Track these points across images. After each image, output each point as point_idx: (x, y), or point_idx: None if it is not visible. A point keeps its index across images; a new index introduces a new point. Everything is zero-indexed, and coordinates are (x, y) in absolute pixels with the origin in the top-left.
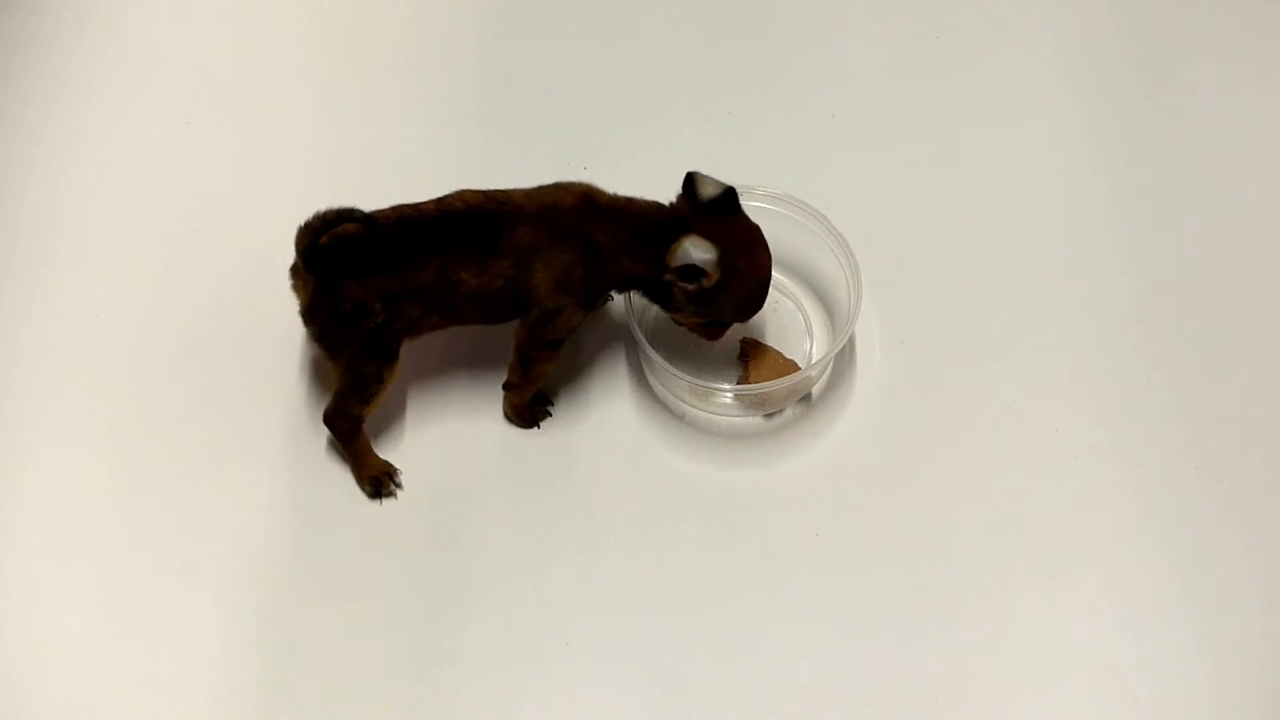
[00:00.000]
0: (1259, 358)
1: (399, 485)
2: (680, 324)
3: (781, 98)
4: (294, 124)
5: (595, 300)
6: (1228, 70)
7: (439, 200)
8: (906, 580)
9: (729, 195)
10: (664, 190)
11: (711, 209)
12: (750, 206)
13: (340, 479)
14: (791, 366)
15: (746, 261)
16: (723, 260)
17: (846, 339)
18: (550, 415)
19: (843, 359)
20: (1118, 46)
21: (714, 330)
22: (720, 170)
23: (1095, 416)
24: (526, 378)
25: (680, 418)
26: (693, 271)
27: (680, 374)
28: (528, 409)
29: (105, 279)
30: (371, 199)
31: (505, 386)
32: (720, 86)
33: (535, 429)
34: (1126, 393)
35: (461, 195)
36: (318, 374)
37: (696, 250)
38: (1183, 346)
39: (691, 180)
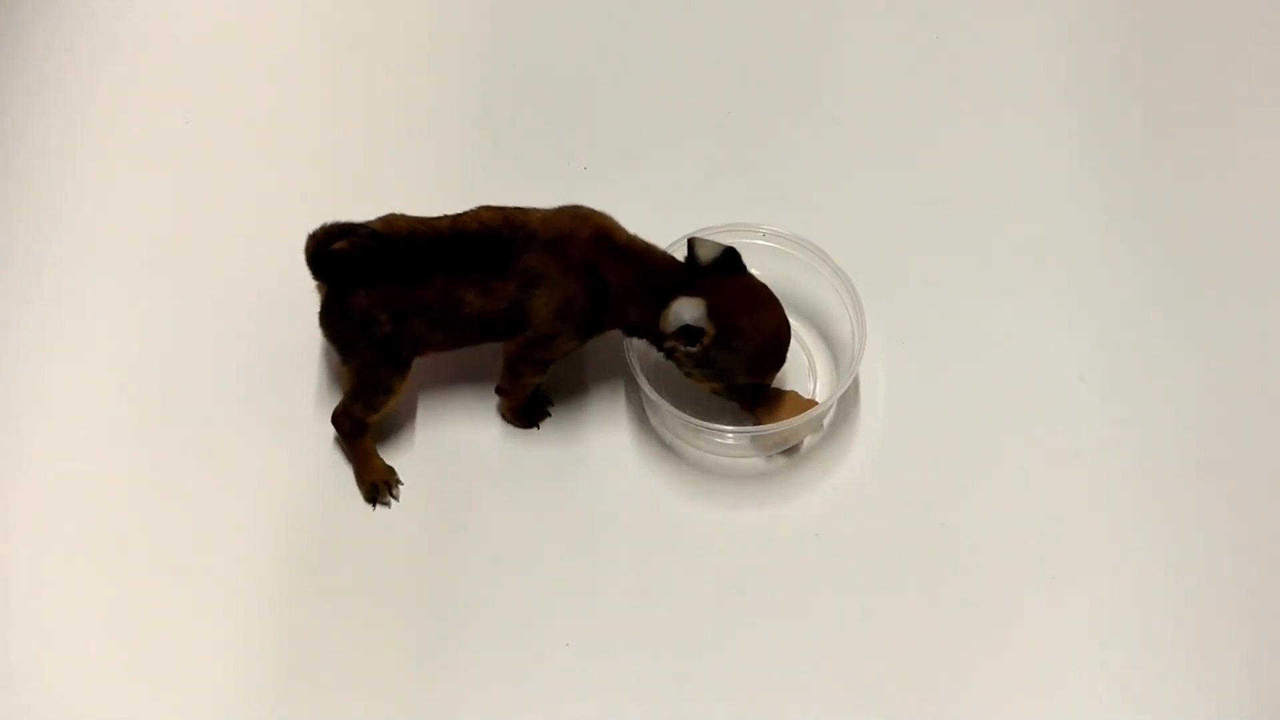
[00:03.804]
0: (1259, 357)
1: (395, 496)
2: (715, 394)
3: (781, 98)
4: (294, 122)
5: (592, 333)
6: (1225, 72)
7: (455, 217)
8: (907, 581)
9: (728, 256)
10: (663, 189)
11: (713, 271)
12: (750, 244)
13: (345, 480)
14: (805, 402)
15: (748, 320)
16: (721, 319)
17: (853, 378)
18: (549, 415)
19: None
20: (1110, 51)
21: (746, 397)
22: (718, 169)
23: (1095, 416)
24: (514, 385)
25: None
26: (691, 332)
27: (692, 419)
28: (525, 410)
29: (105, 279)
30: (371, 197)
31: (498, 391)
32: (719, 86)
33: (535, 429)
34: (1126, 393)
35: (477, 215)
36: (332, 373)
37: (687, 310)
38: (1183, 346)
39: (692, 245)
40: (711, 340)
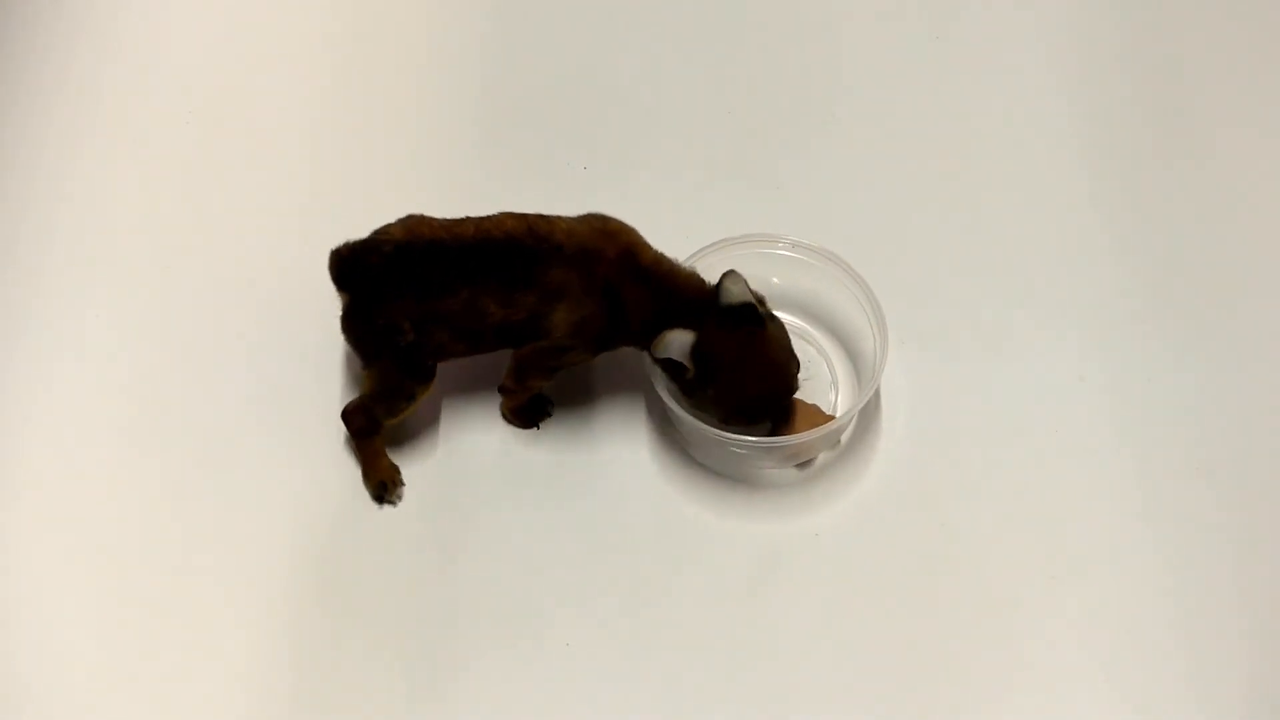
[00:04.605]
0: (1259, 357)
1: (400, 497)
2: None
3: (782, 98)
4: (296, 122)
5: (605, 349)
6: (1228, 74)
7: (478, 223)
8: (906, 581)
9: (747, 309)
10: (663, 189)
11: (730, 314)
12: (774, 255)
13: (347, 481)
14: (822, 416)
15: (737, 376)
16: (710, 365)
17: (870, 394)
18: (550, 416)
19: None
20: (1114, 52)
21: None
22: (718, 169)
23: (1095, 416)
24: (520, 386)
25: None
26: (676, 366)
27: (711, 429)
28: (525, 410)
29: (107, 279)
30: (372, 196)
31: (501, 390)
32: (720, 86)
33: (535, 429)
34: (1126, 393)
35: (502, 223)
36: (336, 373)
37: (674, 345)
38: (1183, 346)
39: (722, 280)
40: (692, 378)
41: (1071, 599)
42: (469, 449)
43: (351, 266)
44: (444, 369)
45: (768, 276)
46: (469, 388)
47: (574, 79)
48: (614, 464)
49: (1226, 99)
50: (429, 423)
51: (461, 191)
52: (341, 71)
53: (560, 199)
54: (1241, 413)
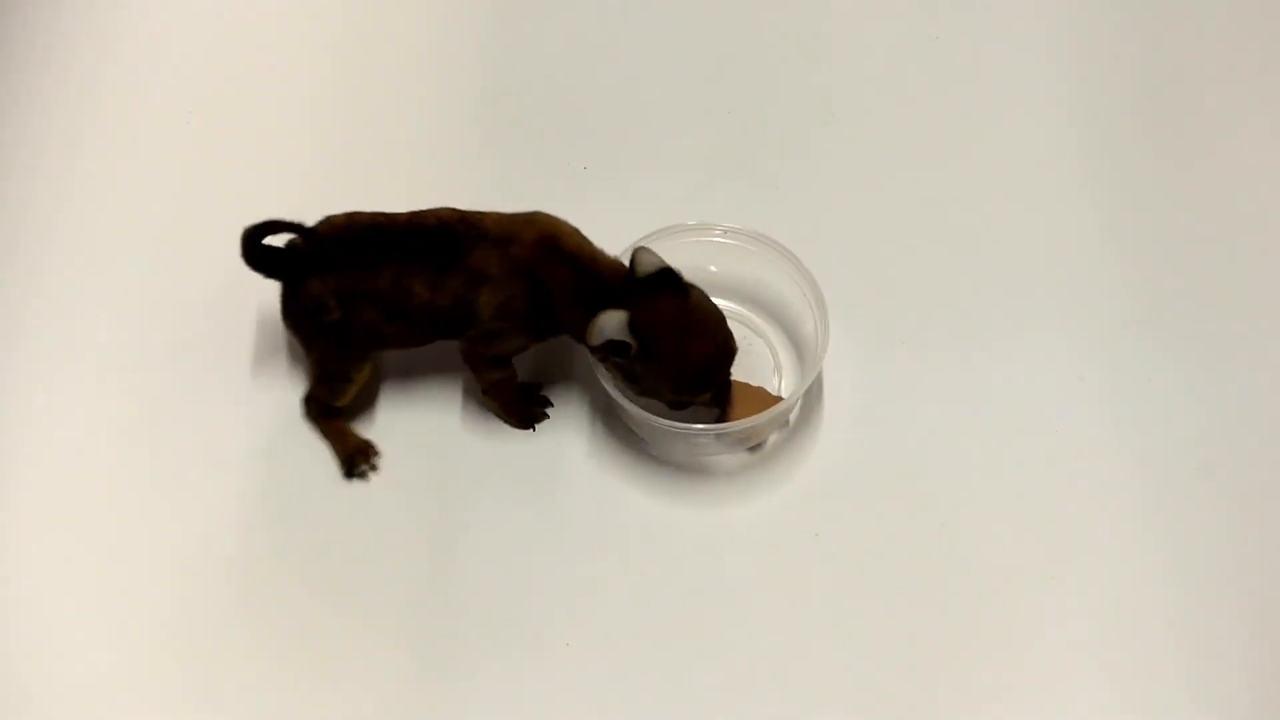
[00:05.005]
0: (1259, 357)
1: (374, 467)
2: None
3: (782, 98)
4: (294, 123)
5: (541, 335)
6: (1228, 75)
7: (414, 212)
8: (906, 581)
9: (665, 274)
10: (663, 189)
11: (651, 286)
12: (710, 242)
13: (347, 482)
14: (770, 397)
15: (670, 343)
16: (647, 337)
17: (817, 372)
18: (548, 417)
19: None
20: (1113, 50)
21: (681, 408)
22: (718, 169)
23: (1095, 416)
24: (481, 380)
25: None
26: (618, 346)
27: (656, 419)
28: (518, 409)
29: (107, 279)
30: (371, 197)
31: (484, 393)
32: (720, 86)
33: (531, 431)
34: (1126, 393)
35: (437, 212)
36: (302, 367)
37: (610, 324)
38: (1183, 346)
39: (633, 257)
40: (634, 355)
41: (1071, 599)
42: (466, 450)
43: (261, 248)
44: (443, 370)
45: (704, 265)
46: (457, 387)
47: (574, 79)
48: (602, 460)
49: (1227, 98)
50: (427, 423)
51: (461, 192)
52: (341, 72)
53: (560, 199)
54: (1241, 413)
